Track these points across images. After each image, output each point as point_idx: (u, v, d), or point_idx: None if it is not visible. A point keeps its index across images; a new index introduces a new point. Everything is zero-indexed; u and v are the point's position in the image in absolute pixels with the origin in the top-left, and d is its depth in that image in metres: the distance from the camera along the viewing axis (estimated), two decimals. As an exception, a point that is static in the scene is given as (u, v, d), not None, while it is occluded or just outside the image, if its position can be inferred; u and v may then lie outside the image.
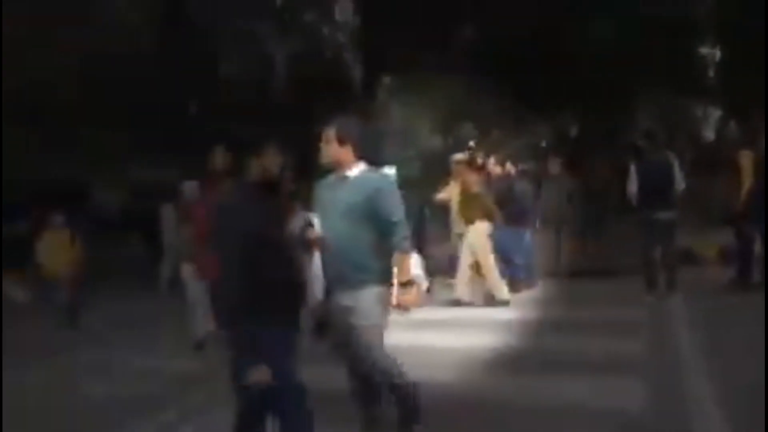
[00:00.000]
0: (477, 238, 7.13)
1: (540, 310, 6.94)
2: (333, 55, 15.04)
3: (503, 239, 7.55)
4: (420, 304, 3.35)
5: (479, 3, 14.25)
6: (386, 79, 15.65)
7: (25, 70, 11.11)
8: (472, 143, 14.68)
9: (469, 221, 7.20)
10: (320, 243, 3.16)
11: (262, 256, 2.65)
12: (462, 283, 7.27)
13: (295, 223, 3.29)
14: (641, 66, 12.16)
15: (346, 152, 3.17)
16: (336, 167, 3.23)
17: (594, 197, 9.21)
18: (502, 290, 7.17)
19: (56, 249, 7.59)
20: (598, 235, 9.12)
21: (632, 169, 7.14)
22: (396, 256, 3.19)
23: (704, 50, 13.69)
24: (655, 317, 6.26)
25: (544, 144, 14.34)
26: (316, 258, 3.21)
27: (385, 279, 3.21)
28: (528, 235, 8.15)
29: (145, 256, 11.66)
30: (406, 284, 3.20)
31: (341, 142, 3.15)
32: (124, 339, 6.72)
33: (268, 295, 2.64)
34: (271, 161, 2.84)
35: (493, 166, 8.15)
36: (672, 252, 7.19)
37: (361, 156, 3.23)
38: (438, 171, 10.40)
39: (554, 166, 8.93)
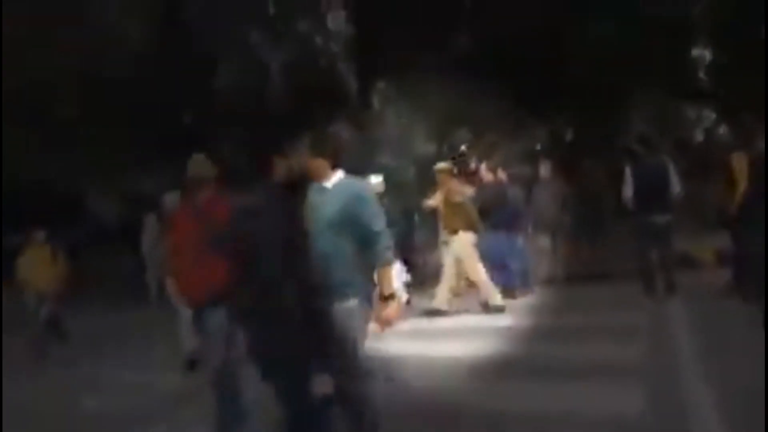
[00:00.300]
0: (462, 248, 7.03)
1: (537, 317, 6.87)
2: (327, 63, 15.03)
3: (495, 245, 7.49)
4: (400, 319, 3.29)
5: (475, 6, 14.26)
6: (380, 86, 15.65)
7: (25, 70, 11.11)
8: (464, 147, 14.65)
9: (453, 231, 7.11)
10: None
11: (289, 256, 2.88)
12: (441, 292, 7.16)
13: None
14: (638, 67, 12.13)
15: (320, 163, 3.14)
16: (312, 179, 3.17)
17: (589, 201, 9.15)
18: (496, 297, 7.10)
19: (38, 265, 7.44)
20: (593, 239, 9.07)
21: (627, 172, 7.08)
22: (378, 268, 3.12)
23: (697, 51, 13.69)
24: (654, 321, 6.21)
25: (538, 147, 14.31)
26: None
27: (367, 291, 3.14)
28: (521, 240, 8.10)
29: (138, 267, 11.58)
30: (388, 298, 3.12)
31: (315, 153, 3.14)
32: (114, 352, 6.64)
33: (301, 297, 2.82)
34: (296, 162, 3.11)
35: (485, 172, 8.08)
36: (669, 255, 7.15)
37: (335, 165, 3.20)
38: (432, 177, 10.37)
39: (545, 169, 8.80)
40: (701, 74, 13.76)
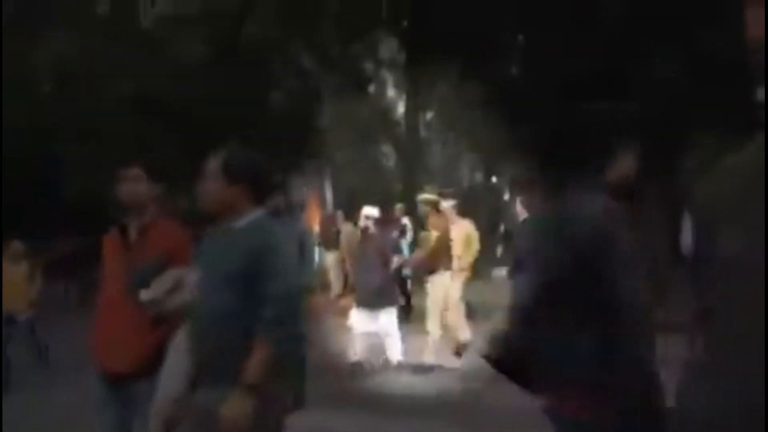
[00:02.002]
0: (437, 290, 5.89)
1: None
2: (377, 90, 14.81)
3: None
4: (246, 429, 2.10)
5: (530, 39, 13.81)
6: (428, 115, 15.31)
7: (84, 99, 11.31)
8: (495, 179, 13.99)
9: (431, 270, 5.93)
10: (183, 313, 2.35)
11: None
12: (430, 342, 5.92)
13: (160, 284, 2.48)
14: (701, 107, 11.37)
15: (236, 194, 2.23)
16: (222, 214, 2.28)
17: (644, 246, 8.29)
18: (460, 341, 5.93)
19: (10, 282, 6.13)
20: (647, 287, 8.20)
21: (686, 216, 6.31)
22: (255, 345, 2.08)
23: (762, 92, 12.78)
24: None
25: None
26: (181, 334, 2.35)
27: (273, 372, 2.14)
28: None
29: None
30: (249, 389, 2.07)
31: (231, 179, 2.23)
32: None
33: None
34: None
35: (520, 208, 7.15)
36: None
37: (259, 199, 2.30)
38: (477, 207, 9.89)
39: None
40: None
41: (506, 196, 7.43)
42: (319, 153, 16.89)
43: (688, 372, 1.01)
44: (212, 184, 2.25)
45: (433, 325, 5.95)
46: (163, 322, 2.48)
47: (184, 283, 2.39)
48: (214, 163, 2.26)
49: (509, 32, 14.21)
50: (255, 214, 2.28)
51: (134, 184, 2.71)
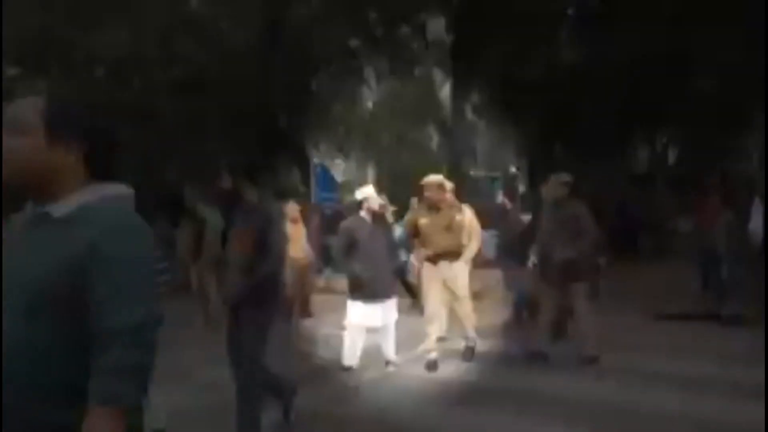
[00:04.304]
0: (457, 279, 5.06)
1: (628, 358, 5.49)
2: (423, 71, 14.15)
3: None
4: None
5: (582, 23, 12.92)
6: (474, 98, 14.56)
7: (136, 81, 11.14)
8: (514, 169, 13.11)
9: (447, 258, 5.07)
10: None
11: None
12: (430, 340, 5.05)
13: None
14: (759, 90, 10.32)
15: (60, 158, 1.33)
16: (36, 190, 1.35)
17: (702, 235, 7.40)
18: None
19: None
20: (705, 278, 7.30)
21: (757, 203, 5.56)
22: (89, 408, 1.22)
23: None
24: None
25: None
26: None
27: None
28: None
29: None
30: None
31: (54, 137, 1.32)
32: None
33: None
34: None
35: (549, 187, 6.35)
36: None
37: (95, 170, 1.37)
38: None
39: (557, 188, 5.27)
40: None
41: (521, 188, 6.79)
42: (363, 134, 16.46)
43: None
44: (22, 140, 1.29)
45: (433, 322, 5.11)
46: None
47: None
48: (26, 110, 1.32)
49: (559, 14, 13.29)
50: (92, 193, 1.35)
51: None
